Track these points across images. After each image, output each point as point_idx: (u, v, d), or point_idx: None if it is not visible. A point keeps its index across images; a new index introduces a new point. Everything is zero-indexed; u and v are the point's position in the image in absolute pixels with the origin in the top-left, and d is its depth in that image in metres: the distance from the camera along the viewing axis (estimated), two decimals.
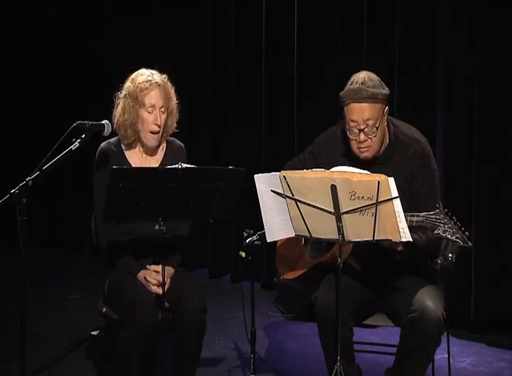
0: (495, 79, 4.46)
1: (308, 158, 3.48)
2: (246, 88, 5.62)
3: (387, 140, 3.31)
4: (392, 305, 3.31)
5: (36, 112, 6.66)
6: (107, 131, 3.34)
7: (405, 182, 3.23)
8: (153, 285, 3.39)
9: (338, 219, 2.96)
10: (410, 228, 2.95)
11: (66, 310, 5.08)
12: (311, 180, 2.96)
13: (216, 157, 5.77)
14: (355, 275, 3.32)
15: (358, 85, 3.19)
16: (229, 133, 5.74)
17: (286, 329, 4.79)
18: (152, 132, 3.45)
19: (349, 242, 3.02)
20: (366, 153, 3.25)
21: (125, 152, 3.52)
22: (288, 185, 3.01)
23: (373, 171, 3.03)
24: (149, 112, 3.43)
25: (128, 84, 3.47)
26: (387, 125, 3.31)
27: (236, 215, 3.47)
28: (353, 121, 3.20)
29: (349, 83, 3.24)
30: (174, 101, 3.51)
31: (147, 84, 3.41)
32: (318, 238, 3.10)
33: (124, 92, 3.47)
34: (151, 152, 3.54)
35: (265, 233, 3.20)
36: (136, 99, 3.42)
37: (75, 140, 3.20)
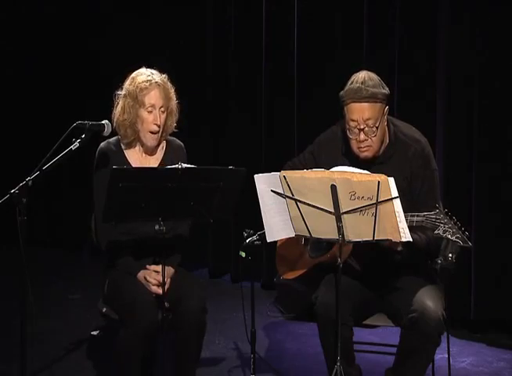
0: (495, 79, 4.46)
1: (308, 158, 3.48)
2: (246, 88, 5.62)
3: (387, 140, 3.32)
4: (392, 305, 3.31)
5: (36, 112, 6.66)
6: (107, 131, 3.34)
7: (405, 182, 3.23)
8: (153, 285, 3.39)
9: (338, 219, 2.96)
10: (410, 228, 2.95)
11: (66, 310, 5.08)
12: (311, 180, 2.96)
13: (216, 157, 5.77)
14: (355, 275, 3.32)
15: (358, 85, 3.19)
16: (229, 133, 5.74)
17: (286, 329, 4.79)
18: (151, 132, 3.45)
19: (349, 242, 3.02)
20: (366, 153, 3.25)
21: (125, 151, 3.52)
22: (288, 185, 3.01)
23: (373, 171, 3.03)
24: (148, 112, 3.43)
25: (127, 83, 3.47)
26: (387, 125, 3.31)
27: (236, 215, 3.47)
28: (353, 120, 3.20)
29: (349, 83, 3.24)
30: (174, 101, 3.51)
31: (147, 84, 3.41)
32: (318, 238, 3.10)
33: (123, 92, 3.47)
34: (150, 151, 3.54)
35: (264, 233, 3.20)
36: (136, 98, 3.42)
37: (75, 140, 3.20)
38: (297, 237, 3.20)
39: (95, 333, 3.88)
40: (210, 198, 3.17)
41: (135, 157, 3.53)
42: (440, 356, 3.59)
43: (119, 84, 3.50)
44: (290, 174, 3.03)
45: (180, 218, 3.40)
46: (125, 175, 3.08)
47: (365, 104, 3.18)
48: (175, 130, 3.56)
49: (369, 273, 3.34)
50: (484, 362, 4.23)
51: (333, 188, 2.92)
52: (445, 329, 3.20)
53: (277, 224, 3.14)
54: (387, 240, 2.95)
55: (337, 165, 3.20)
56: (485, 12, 4.43)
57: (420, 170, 3.27)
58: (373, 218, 2.90)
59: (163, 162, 3.53)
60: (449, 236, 2.96)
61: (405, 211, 2.92)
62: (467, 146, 4.54)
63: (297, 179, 3.00)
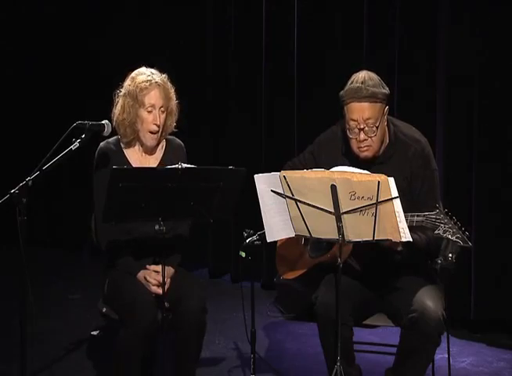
0: (495, 79, 4.46)
1: (308, 158, 3.48)
2: (246, 88, 5.62)
3: (387, 140, 3.32)
4: (392, 305, 3.31)
5: (36, 112, 6.66)
6: (107, 131, 3.34)
7: (405, 182, 3.23)
8: (153, 285, 3.38)
9: (338, 219, 2.96)
10: (410, 228, 2.95)
11: (66, 310, 5.08)
12: (311, 180, 2.96)
13: (216, 157, 5.77)
14: (355, 275, 3.32)
15: (358, 84, 3.19)
16: (229, 133, 5.74)
17: (286, 329, 4.79)
18: (151, 132, 3.45)
19: (349, 242, 3.02)
20: (366, 153, 3.25)
21: (125, 151, 3.52)
22: (288, 185, 3.01)
23: (373, 171, 3.03)
24: (148, 112, 3.43)
25: (127, 82, 3.47)
26: (387, 125, 3.31)
27: (236, 215, 3.47)
28: (353, 120, 3.20)
29: (349, 82, 3.24)
30: (173, 101, 3.51)
31: (147, 84, 3.41)
32: (318, 238, 3.10)
33: (123, 91, 3.47)
34: (150, 151, 3.54)
35: (264, 233, 3.20)
36: (136, 98, 3.42)
37: (75, 140, 3.20)
38: (297, 237, 3.20)
39: (95, 333, 3.88)
40: (210, 198, 3.16)
41: (135, 157, 3.53)
42: (440, 356, 3.59)
43: (119, 83, 3.50)
44: (290, 174, 3.03)
45: (180, 218, 3.40)
46: (125, 175, 3.08)
47: (366, 104, 3.18)
48: (175, 129, 3.56)
49: (369, 273, 3.34)
50: (484, 362, 4.23)
51: (333, 188, 2.92)
52: (445, 329, 3.20)
53: (277, 224, 3.14)
54: (387, 240, 2.95)
55: (337, 165, 3.20)
56: (485, 12, 4.43)
57: (420, 170, 3.27)
58: (373, 218, 2.90)
59: (162, 161, 3.53)
60: (449, 236, 2.96)
61: (405, 211, 2.92)
62: (467, 146, 4.54)
63: (297, 179, 3.00)
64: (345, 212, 2.94)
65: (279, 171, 3.06)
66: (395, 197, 2.87)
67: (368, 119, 3.19)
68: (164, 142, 3.58)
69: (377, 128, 3.21)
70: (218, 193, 3.16)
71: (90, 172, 3.53)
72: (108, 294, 3.48)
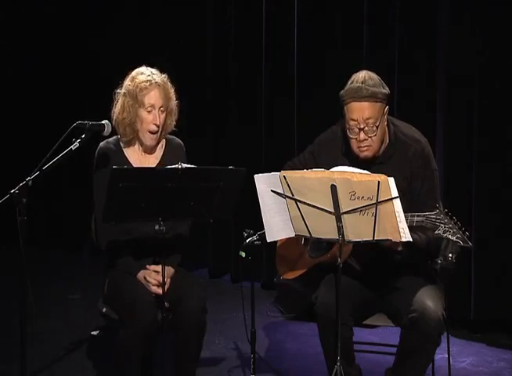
0: (495, 79, 4.46)
1: (308, 158, 3.48)
2: (246, 88, 5.62)
3: (387, 140, 3.32)
4: (392, 305, 3.31)
5: (36, 112, 6.66)
6: (107, 131, 3.34)
7: (405, 182, 3.23)
8: (153, 285, 3.38)
9: (338, 219, 2.96)
10: (410, 228, 2.95)
11: (66, 310, 5.08)
12: (311, 180, 2.96)
13: (216, 157, 5.77)
14: (355, 275, 3.32)
15: (358, 84, 3.19)
16: (229, 133, 5.74)
17: (286, 329, 4.79)
18: (150, 132, 3.45)
19: (349, 242, 3.02)
20: (366, 153, 3.25)
21: (124, 151, 3.52)
22: (288, 185, 3.01)
23: (373, 171, 3.03)
24: (148, 111, 3.43)
25: (127, 82, 3.47)
26: (387, 125, 3.31)
27: (236, 215, 3.47)
28: (353, 119, 3.20)
29: (349, 82, 3.24)
30: (173, 101, 3.51)
31: (147, 84, 3.41)
32: (318, 238, 3.10)
33: (123, 90, 3.47)
34: (150, 150, 3.54)
35: (264, 233, 3.20)
36: (136, 98, 3.42)
37: (75, 140, 3.20)
38: (297, 237, 3.20)
39: (95, 333, 3.88)
40: (210, 198, 3.16)
41: (135, 156, 3.53)
42: (440, 356, 3.59)
43: (119, 82, 3.50)
44: (290, 174, 3.03)
45: (180, 218, 3.40)
46: (125, 175, 3.08)
47: (366, 103, 3.18)
48: (175, 129, 3.56)
49: (369, 273, 3.33)
50: (484, 362, 4.23)
51: (333, 188, 2.92)
52: (445, 329, 3.20)
53: (277, 224, 3.14)
54: (387, 240, 2.95)
55: (337, 165, 3.20)
56: (485, 12, 4.43)
57: (420, 170, 3.27)
58: (373, 218, 2.90)
59: (162, 161, 3.53)
60: (450, 236, 2.96)
61: (405, 211, 2.92)
62: (467, 146, 4.54)
63: (297, 179, 3.00)
64: (345, 212, 2.94)
65: (279, 171, 3.06)
66: (395, 197, 2.87)
67: (368, 119, 3.19)
68: (163, 142, 3.58)
69: (377, 127, 3.21)
70: (218, 193, 3.16)
71: (90, 172, 3.53)
72: (108, 294, 3.48)
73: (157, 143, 3.54)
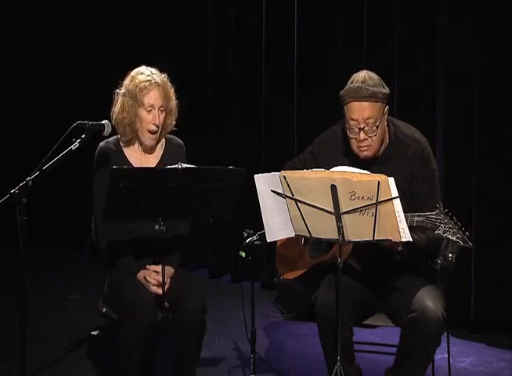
0: (495, 79, 4.46)
1: (308, 158, 3.48)
2: (246, 88, 5.62)
3: (387, 140, 3.32)
4: (392, 305, 3.31)
5: (36, 112, 6.66)
6: (107, 131, 3.34)
7: (405, 182, 3.23)
8: (153, 285, 3.38)
9: (338, 219, 2.96)
10: (410, 228, 2.95)
11: (66, 310, 5.08)
12: (311, 180, 2.96)
13: (216, 157, 5.77)
14: (355, 275, 3.32)
15: (358, 84, 3.19)
16: (229, 133, 5.74)
17: (286, 329, 4.79)
18: (150, 132, 3.45)
19: (349, 242, 3.02)
20: (366, 152, 3.25)
21: (124, 151, 3.52)
22: (288, 185, 3.01)
23: (373, 171, 3.03)
24: (148, 111, 3.43)
25: (127, 81, 3.47)
26: (387, 125, 3.31)
27: (236, 215, 3.47)
28: (353, 119, 3.20)
29: (349, 82, 3.24)
30: (173, 101, 3.51)
31: (147, 84, 3.41)
32: (318, 238, 3.10)
33: (123, 90, 3.47)
34: (150, 149, 3.54)
35: (264, 233, 3.20)
36: (135, 98, 3.42)
37: (75, 140, 3.20)
38: (297, 237, 3.20)
39: (95, 333, 3.87)
40: (210, 198, 3.16)
41: (135, 156, 3.53)
42: (440, 356, 3.59)
43: (119, 82, 3.50)
44: (290, 174, 3.03)
45: (180, 218, 3.40)
46: (125, 175, 3.08)
47: (366, 103, 3.18)
48: (174, 128, 3.56)
49: (369, 273, 3.33)
50: (484, 362, 4.23)
51: (333, 188, 2.92)
52: (445, 329, 3.20)
53: (277, 224, 3.14)
54: (387, 240, 2.95)
55: (337, 165, 3.20)
56: (485, 12, 4.43)
57: (420, 170, 3.27)
58: (373, 218, 2.90)
59: (162, 160, 3.53)
60: (449, 236, 2.96)
61: (405, 211, 2.92)
62: (467, 146, 4.54)
63: (297, 179, 3.00)
64: (345, 212, 2.94)
65: (279, 171, 3.06)
66: (395, 197, 2.87)
67: (368, 118, 3.19)
68: (163, 141, 3.58)
69: (377, 127, 3.21)
70: (218, 193, 3.16)
71: (90, 172, 3.53)
72: (108, 294, 3.48)
73: (157, 143, 3.54)
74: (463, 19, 4.51)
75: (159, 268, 3.34)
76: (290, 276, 3.47)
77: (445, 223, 2.96)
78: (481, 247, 4.45)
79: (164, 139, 3.57)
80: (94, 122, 3.29)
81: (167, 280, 3.32)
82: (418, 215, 3.02)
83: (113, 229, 3.40)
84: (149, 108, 3.42)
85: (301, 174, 3.01)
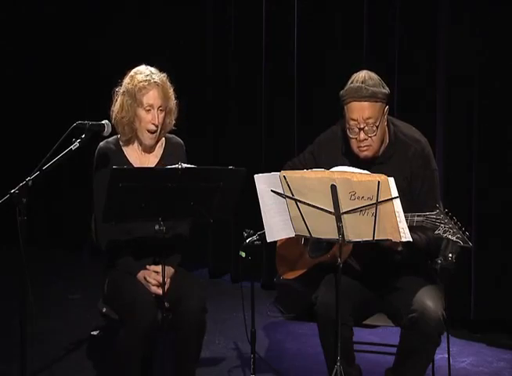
0: (495, 79, 4.46)
1: (308, 158, 3.48)
2: (246, 88, 5.62)
3: (387, 140, 3.32)
4: (392, 305, 3.31)
5: (36, 112, 6.66)
6: (107, 131, 3.34)
7: (405, 182, 3.23)
8: (153, 285, 3.38)
9: (338, 219, 2.96)
10: (410, 228, 2.95)
11: (66, 310, 5.08)
12: (311, 180, 2.96)
13: (216, 157, 5.77)
14: (355, 275, 3.32)
15: (358, 84, 3.19)
16: (229, 133, 5.74)
17: (286, 329, 4.78)
18: (149, 131, 3.45)
19: (349, 242, 3.02)
20: (366, 152, 3.25)
21: (124, 150, 3.52)
22: (288, 185, 3.01)
23: (373, 171, 3.03)
24: (147, 111, 3.43)
25: (127, 81, 3.47)
26: (387, 125, 3.31)
27: (236, 215, 3.47)
28: (353, 119, 3.20)
29: (350, 82, 3.24)
30: (172, 100, 3.51)
31: (146, 84, 3.41)
32: (318, 238, 3.10)
33: (122, 89, 3.47)
34: (149, 149, 3.54)
35: (264, 233, 3.20)
36: (134, 97, 3.42)
37: (75, 140, 3.20)
38: (297, 237, 3.20)
39: (95, 333, 3.87)
40: (210, 198, 3.16)
41: (135, 156, 3.53)
42: (440, 356, 3.59)
43: (118, 81, 3.50)
44: (290, 174, 3.03)
45: (180, 218, 3.40)
46: (125, 175, 3.08)
47: (366, 103, 3.18)
48: (174, 128, 3.56)
49: (369, 273, 3.33)
50: (484, 362, 4.23)
51: (333, 188, 2.92)
52: (445, 329, 3.20)
53: (277, 224, 3.14)
54: (387, 240, 2.95)
55: (337, 165, 3.20)
56: (485, 12, 4.43)
57: (420, 170, 3.27)
58: (373, 218, 2.90)
59: (162, 159, 3.53)
60: (449, 236, 2.96)
61: (405, 211, 2.92)
62: (467, 146, 4.54)
63: (297, 179, 3.00)
64: (345, 212, 2.94)
65: (279, 171, 3.06)
66: (395, 197, 2.87)
67: (368, 118, 3.19)
68: (163, 140, 3.58)
69: (377, 127, 3.21)
70: (218, 193, 3.16)
71: (90, 172, 3.53)
72: (108, 294, 3.48)
73: (157, 142, 3.54)
74: (463, 19, 4.51)
75: (159, 268, 3.34)
76: (290, 276, 3.47)
77: (445, 223, 2.96)
78: (481, 247, 4.45)
79: (163, 139, 3.57)
80: (94, 122, 3.29)
81: (167, 280, 3.32)
82: (418, 215, 3.02)
83: (113, 229, 3.40)
84: (148, 108, 3.42)
85: (301, 174, 3.01)
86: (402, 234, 2.91)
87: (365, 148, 3.24)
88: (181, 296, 3.36)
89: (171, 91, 3.50)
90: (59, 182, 6.45)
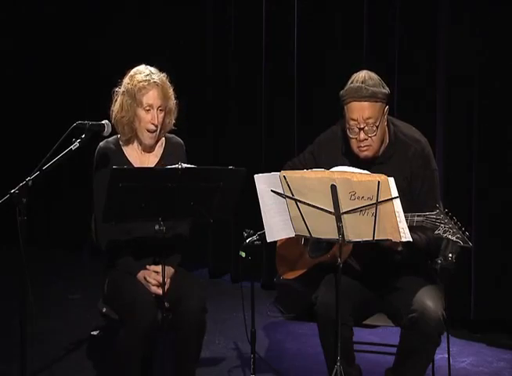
0: (495, 79, 4.46)
1: (308, 158, 3.48)
2: (246, 88, 5.62)
3: (387, 140, 3.32)
4: (392, 305, 3.31)
5: (36, 112, 6.66)
6: (107, 131, 3.34)
7: (405, 182, 3.23)
8: (153, 285, 3.38)
9: (338, 219, 2.96)
10: (410, 228, 2.95)
11: (66, 310, 5.08)
12: (311, 180, 2.96)
13: (216, 157, 5.77)
14: (355, 275, 3.32)
15: (358, 84, 3.19)
16: (229, 133, 5.74)
17: (286, 329, 4.78)
18: (148, 131, 3.45)
19: (349, 242, 3.02)
20: (366, 152, 3.25)
21: (124, 150, 3.52)
22: (288, 185, 3.01)
23: (373, 171, 3.03)
24: (146, 111, 3.43)
25: (126, 81, 3.47)
26: (387, 125, 3.31)
27: (236, 215, 3.47)
28: (353, 119, 3.20)
29: (350, 82, 3.24)
30: (172, 100, 3.51)
31: (145, 84, 3.41)
32: (318, 238, 3.10)
33: (122, 89, 3.47)
34: (149, 148, 3.54)
35: (264, 233, 3.20)
36: (134, 97, 3.42)
37: (75, 140, 3.20)
38: (297, 237, 3.20)
39: (95, 333, 3.87)
40: (210, 198, 3.16)
41: (135, 155, 3.53)
42: (440, 356, 3.59)
43: (118, 81, 3.50)
44: (290, 174, 3.03)
45: (180, 218, 3.40)
46: (125, 175, 3.08)
47: (366, 103, 3.18)
48: (174, 128, 3.56)
49: (369, 273, 3.33)
50: (484, 362, 4.23)
51: (333, 188, 2.92)
52: (445, 329, 3.20)
53: (277, 224, 3.14)
54: (387, 240, 2.95)
55: (337, 165, 3.20)
56: (485, 12, 4.43)
57: (420, 170, 3.27)
58: (373, 218, 2.90)
59: (162, 159, 3.53)
60: (449, 236, 2.96)
61: (405, 211, 2.92)
62: (467, 146, 4.54)
63: (297, 179, 3.00)
64: (345, 212, 2.94)
65: (279, 171, 3.06)
66: (395, 197, 2.87)
67: (368, 118, 3.19)
68: (163, 140, 3.58)
69: (377, 127, 3.21)
70: (218, 193, 3.16)
71: (90, 172, 3.53)
72: (108, 294, 3.48)
73: (157, 142, 3.54)
74: (463, 19, 4.51)
75: (159, 268, 3.34)
76: (290, 276, 3.47)
77: (445, 223, 2.96)
78: (481, 247, 4.45)
79: (163, 138, 3.57)
80: (94, 122, 3.29)
81: (167, 280, 3.32)
82: (418, 215, 3.02)
83: (113, 229, 3.40)
84: (147, 108, 3.42)
85: (301, 174, 3.01)
86: (402, 234, 2.91)
87: (365, 148, 3.24)
88: (181, 296, 3.36)
89: (170, 91, 3.49)
90: (59, 182, 6.45)
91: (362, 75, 3.22)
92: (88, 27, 6.34)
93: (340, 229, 2.97)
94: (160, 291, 3.29)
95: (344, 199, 2.92)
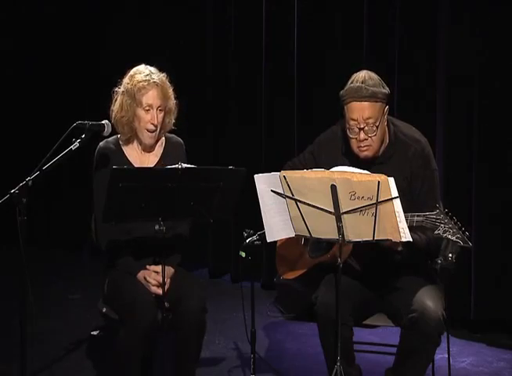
0: (495, 79, 4.46)
1: (308, 158, 3.48)
2: (246, 88, 5.62)
3: (387, 140, 3.32)
4: (392, 305, 3.31)
5: (36, 112, 6.66)
6: (107, 131, 3.34)
7: (405, 182, 3.23)
8: (153, 285, 3.38)
9: (338, 219, 2.96)
10: (410, 228, 2.95)
11: (66, 310, 5.08)
12: (311, 180, 2.96)
13: (216, 157, 5.77)
14: (355, 275, 3.32)
15: (358, 84, 3.19)
16: (229, 133, 5.74)
17: (286, 329, 4.78)
18: (148, 130, 3.46)
19: (349, 242, 3.02)
20: (366, 152, 3.25)
21: (124, 150, 3.52)
22: (288, 185, 3.01)
23: (373, 171, 3.03)
24: (146, 111, 3.43)
25: (126, 80, 3.47)
26: (387, 125, 3.31)
27: (236, 215, 3.47)
28: (353, 119, 3.20)
29: (350, 82, 3.24)
30: (172, 100, 3.51)
31: (145, 84, 3.41)
32: (318, 238, 3.10)
33: (122, 89, 3.47)
34: (149, 148, 3.54)
35: (264, 233, 3.20)
36: (134, 97, 3.42)
37: (75, 140, 3.21)
38: (297, 237, 3.20)
39: (95, 333, 3.88)
40: (210, 198, 3.16)
41: (135, 155, 3.53)
42: (440, 356, 3.59)
43: (118, 81, 3.50)
44: (290, 174, 3.03)
45: (180, 218, 3.40)
46: (125, 175, 3.08)
47: (366, 103, 3.18)
48: (174, 128, 3.56)
49: (369, 273, 3.33)
50: (484, 362, 4.23)
51: (333, 188, 2.92)
52: (445, 329, 3.20)
53: (277, 224, 3.14)
54: (387, 240, 2.95)
55: (337, 165, 3.20)
56: (485, 12, 4.43)
57: (420, 170, 3.27)
58: (373, 218, 2.90)
59: (162, 159, 3.53)
60: (449, 237, 2.96)
61: (405, 211, 2.92)
62: (467, 146, 4.54)
63: (297, 179, 3.00)
64: (345, 212, 2.94)
65: (279, 171, 3.06)
66: (395, 197, 2.87)
67: (368, 118, 3.19)
68: (163, 140, 3.58)
69: (377, 127, 3.21)
70: (218, 193, 3.16)
71: (90, 172, 3.53)
72: (108, 294, 3.48)
73: (157, 141, 3.54)
74: (463, 19, 4.51)
75: (159, 268, 3.34)
76: (290, 276, 3.47)
77: (445, 223, 2.96)
78: (481, 247, 4.45)
79: (163, 138, 3.57)
80: (94, 122, 3.29)
81: (167, 280, 3.32)
82: (418, 215, 3.02)
83: (113, 229, 3.40)
84: (147, 108, 3.42)
85: (301, 174, 3.01)
86: (402, 234, 2.91)
87: (365, 148, 3.24)
88: (181, 296, 3.36)
89: (170, 91, 3.50)
90: (59, 182, 6.45)
91: (362, 75, 3.23)
92: (88, 26, 6.34)
93: (340, 229, 2.97)
94: (160, 291, 3.29)
95: (344, 199, 2.92)
